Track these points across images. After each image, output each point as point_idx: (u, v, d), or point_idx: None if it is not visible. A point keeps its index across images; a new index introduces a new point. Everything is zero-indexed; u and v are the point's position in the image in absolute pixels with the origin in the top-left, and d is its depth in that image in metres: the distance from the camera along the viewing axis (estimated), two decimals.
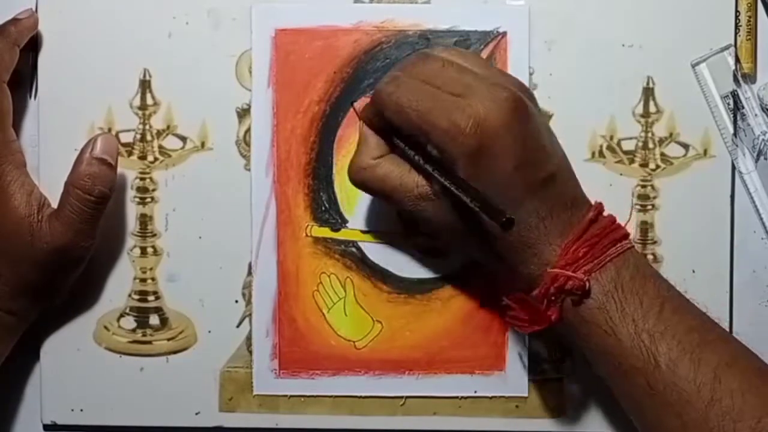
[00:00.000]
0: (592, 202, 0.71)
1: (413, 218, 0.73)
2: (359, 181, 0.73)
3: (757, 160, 0.78)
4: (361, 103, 0.76)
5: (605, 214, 0.71)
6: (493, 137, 0.67)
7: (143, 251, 0.80)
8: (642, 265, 0.70)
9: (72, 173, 0.75)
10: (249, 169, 0.79)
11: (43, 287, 0.77)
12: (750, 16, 0.78)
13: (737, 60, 0.78)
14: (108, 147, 0.76)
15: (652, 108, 0.78)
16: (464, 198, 0.66)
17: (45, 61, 0.79)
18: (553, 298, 0.69)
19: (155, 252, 0.80)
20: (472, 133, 0.66)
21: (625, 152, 0.79)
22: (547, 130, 0.71)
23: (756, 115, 0.78)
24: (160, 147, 0.79)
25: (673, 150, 0.78)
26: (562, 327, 0.70)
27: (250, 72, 0.79)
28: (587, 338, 0.69)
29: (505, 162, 0.67)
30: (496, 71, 0.72)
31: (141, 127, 0.79)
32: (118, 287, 0.80)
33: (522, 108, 0.68)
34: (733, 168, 0.78)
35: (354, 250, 0.79)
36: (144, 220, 0.80)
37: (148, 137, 0.79)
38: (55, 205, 0.76)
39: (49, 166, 0.79)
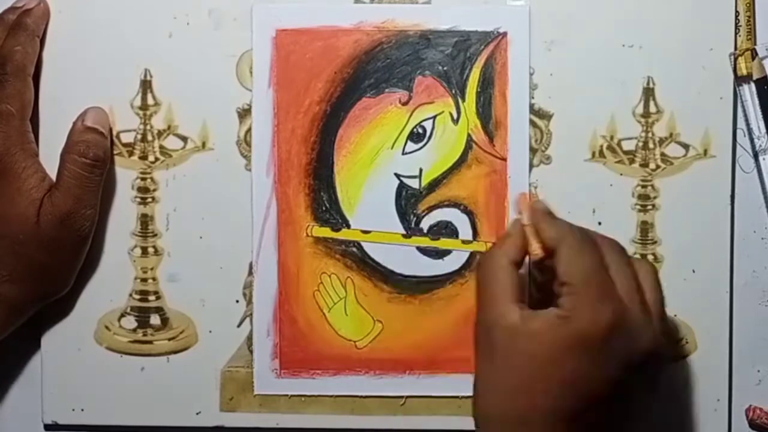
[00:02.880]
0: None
1: (475, 333, 0.69)
2: (482, 268, 0.69)
3: (756, 159, 0.79)
4: (531, 202, 0.72)
5: None
6: (610, 347, 0.65)
7: (144, 251, 0.80)
8: None
9: (66, 143, 0.77)
10: (250, 169, 0.79)
11: (48, 268, 0.77)
12: (749, 17, 0.78)
13: (737, 60, 0.78)
14: (98, 117, 0.77)
15: (652, 108, 0.78)
16: None
17: (45, 61, 0.79)
18: None
19: (156, 252, 0.80)
20: (605, 328, 0.64)
21: (626, 152, 0.79)
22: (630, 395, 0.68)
23: (757, 115, 0.78)
24: (161, 147, 0.80)
25: (673, 150, 0.79)
26: None
27: (251, 72, 0.79)
28: None
29: (592, 372, 0.65)
30: (659, 316, 0.69)
31: (142, 127, 0.79)
32: (119, 287, 0.80)
33: (647, 361, 0.66)
34: (734, 168, 0.78)
35: (355, 250, 0.79)
36: (145, 220, 0.80)
37: (149, 137, 0.80)
38: None
39: (50, 165, 0.78)
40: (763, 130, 0.78)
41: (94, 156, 0.76)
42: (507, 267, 0.68)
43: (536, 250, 0.68)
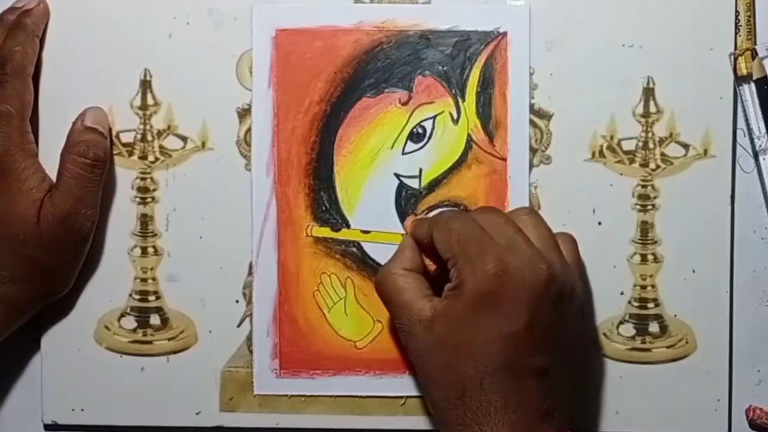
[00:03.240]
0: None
1: (402, 338, 0.73)
2: (379, 283, 0.74)
3: (756, 159, 0.79)
4: (413, 219, 0.78)
5: None
6: (509, 295, 0.67)
7: (144, 251, 0.80)
8: None
9: (66, 143, 0.77)
10: (249, 169, 0.79)
11: (49, 269, 0.77)
12: (749, 17, 0.78)
13: (737, 60, 0.78)
14: (98, 117, 0.78)
15: (652, 108, 0.78)
16: None
17: (45, 61, 0.79)
18: None
19: (156, 252, 0.80)
20: (495, 278, 0.67)
21: (626, 152, 0.79)
22: (565, 328, 0.70)
23: (757, 115, 0.78)
24: (161, 147, 0.80)
25: (673, 150, 0.79)
26: None
27: (251, 72, 0.79)
28: None
29: (504, 324, 0.67)
30: (554, 247, 0.71)
31: (141, 127, 0.79)
32: (119, 287, 0.80)
33: (550, 289, 0.68)
34: (734, 168, 0.78)
35: (354, 250, 0.79)
36: (144, 220, 0.80)
37: (149, 137, 0.80)
38: None
39: (49, 165, 0.78)
40: (763, 130, 0.78)
41: (94, 156, 0.76)
42: (403, 273, 0.73)
43: (429, 263, 0.74)
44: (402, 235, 0.78)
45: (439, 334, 0.69)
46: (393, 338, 0.79)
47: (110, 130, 0.79)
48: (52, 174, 0.77)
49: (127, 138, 0.80)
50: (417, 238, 0.74)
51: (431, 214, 0.78)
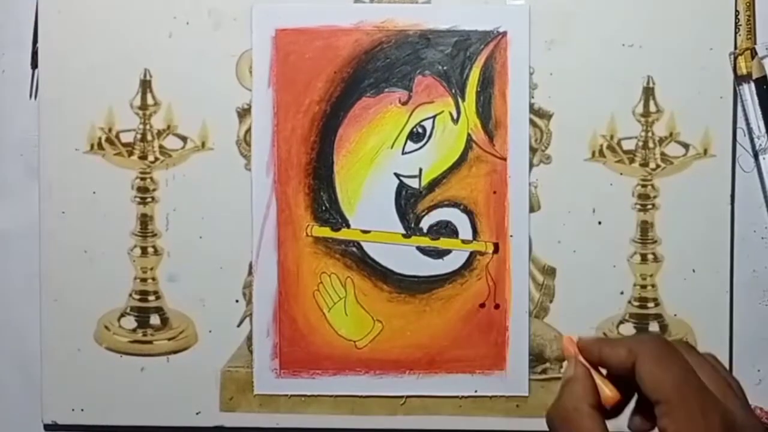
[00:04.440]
0: None
1: None
2: (561, 423, 0.62)
3: (756, 159, 0.79)
4: (593, 341, 0.64)
5: None
6: None
7: (144, 251, 0.80)
8: None
9: None
10: (249, 169, 0.79)
11: None
12: (749, 16, 0.78)
13: (737, 59, 0.78)
14: None
15: (652, 108, 0.78)
16: None
17: (45, 60, 0.79)
18: None
19: (156, 252, 0.80)
20: (723, 428, 0.59)
21: (626, 152, 0.79)
22: None
23: (757, 114, 0.78)
24: (161, 147, 0.80)
25: (673, 149, 0.79)
26: None
27: (251, 72, 0.79)
28: None
29: None
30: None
31: (141, 126, 0.79)
32: (119, 287, 0.80)
33: None
34: (734, 167, 0.78)
35: (354, 249, 0.79)
36: (144, 220, 0.80)
37: (149, 137, 0.79)
38: None
39: (49, 166, 0.79)
40: (763, 129, 0.78)
41: None
42: (591, 413, 0.61)
43: (610, 392, 0.61)
44: (402, 234, 0.78)
45: None
46: (393, 338, 0.79)
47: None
48: (51, 183, 0.78)
49: (126, 138, 0.80)
50: (604, 355, 0.62)
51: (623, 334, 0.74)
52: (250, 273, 0.79)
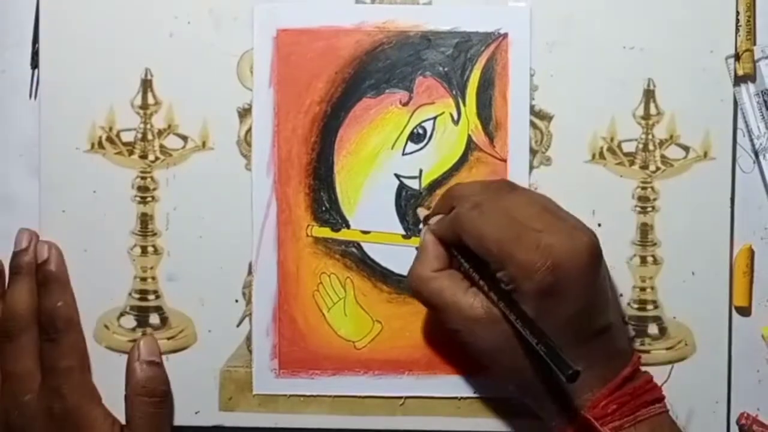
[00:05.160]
0: (632, 356, 0.71)
1: (457, 338, 0.72)
2: (416, 291, 0.73)
3: (756, 159, 0.79)
4: (430, 220, 0.76)
5: (642, 370, 0.71)
6: (566, 280, 0.67)
7: (144, 250, 0.80)
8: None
9: (129, 384, 0.78)
10: (250, 169, 0.79)
11: None
12: (749, 17, 0.78)
13: (737, 60, 0.78)
14: (152, 348, 0.79)
15: (652, 110, 0.78)
16: (530, 339, 0.66)
17: (46, 60, 0.79)
18: None
19: (156, 251, 0.80)
20: (548, 272, 0.67)
21: (626, 154, 0.79)
22: (609, 278, 0.73)
23: (756, 115, 0.78)
24: (161, 146, 0.80)
25: (673, 152, 0.79)
26: None
27: (252, 72, 0.79)
28: None
29: (569, 306, 0.68)
30: (572, 216, 0.72)
31: (142, 126, 0.79)
32: (119, 286, 0.80)
33: (597, 256, 0.69)
34: (734, 170, 0.78)
35: (354, 250, 0.79)
36: (145, 219, 0.80)
37: (149, 136, 0.79)
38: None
39: (50, 165, 0.79)
40: (763, 129, 0.78)
41: (162, 393, 0.78)
42: (435, 276, 0.72)
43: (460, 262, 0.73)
44: (402, 235, 0.78)
45: (504, 330, 0.69)
46: (392, 338, 0.79)
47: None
48: (51, 184, 0.78)
49: (127, 137, 0.80)
50: (441, 238, 0.73)
51: (437, 197, 0.78)
52: (249, 273, 0.79)
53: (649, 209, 0.79)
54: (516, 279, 0.68)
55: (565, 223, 0.70)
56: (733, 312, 0.79)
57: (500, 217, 0.69)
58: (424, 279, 0.72)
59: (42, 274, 0.78)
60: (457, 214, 0.71)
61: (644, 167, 0.79)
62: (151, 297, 0.80)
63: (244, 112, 0.79)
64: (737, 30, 0.78)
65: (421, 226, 0.77)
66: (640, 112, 0.78)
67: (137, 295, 0.80)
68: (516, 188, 0.73)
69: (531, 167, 0.79)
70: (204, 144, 0.79)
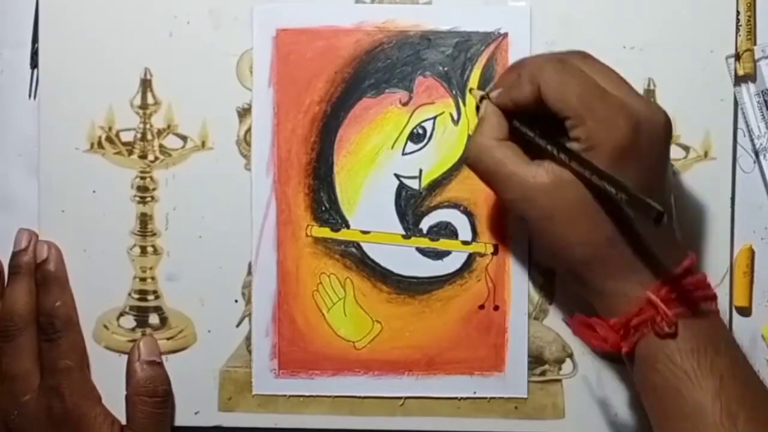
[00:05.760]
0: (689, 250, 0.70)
1: (516, 210, 0.71)
2: (476, 159, 0.70)
3: (757, 158, 0.79)
4: (479, 93, 0.74)
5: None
6: (645, 142, 0.67)
7: (143, 250, 0.80)
8: (727, 332, 0.70)
9: (129, 384, 0.78)
10: (249, 169, 0.79)
11: None
12: (749, 17, 0.78)
13: (737, 60, 0.78)
14: (152, 348, 0.79)
15: None
16: (609, 189, 0.65)
17: (45, 60, 0.79)
18: (633, 329, 0.68)
19: (155, 251, 0.80)
20: (630, 130, 0.66)
21: None
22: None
23: (756, 115, 0.78)
24: (161, 146, 0.79)
25: (673, 152, 0.78)
26: (628, 360, 0.70)
27: (251, 72, 0.79)
28: (652, 384, 0.68)
29: (642, 171, 0.67)
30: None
31: (141, 126, 0.79)
32: (118, 286, 0.80)
33: (670, 131, 0.69)
34: (734, 170, 0.78)
35: (354, 250, 0.79)
36: (144, 219, 0.80)
37: (149, 136, 0.79)
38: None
39: (49, 165, 0.79)
40: (764, 129, 0.78)
41: (163, 392, 0.78)
42: (497, 144, 0.70)
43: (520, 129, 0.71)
44: (402, 235, 0.78)
45: (571, 197, 0.68)
46: (392, 339, 0.79)
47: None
48: (51, 184, 0.79)
49: (127, 137, 0.79)
50: (513, 97, 0.70)
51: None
52: (249, 273, 0.79)
53: None
54: (594, 135, 0.66)
55: (643, 97, 0.70)
56: (733, 312, 0.79)
57: (583, 75, 0.68)
58: (487, 147, 0.70)
59: (41, 274, 0.78)
60: (539, 67, 0.69)
61: None
62: (151, 297, 0.80)
63: (244, 112, 0.79)
64: (737, 30, 0.78)
65: (477, 104, 0.74)
66: None
67: (137, 295, 0.80)
68: (594, 58, 0.71)
69: None
70: (203, 144, 0.79)
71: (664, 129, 0.68)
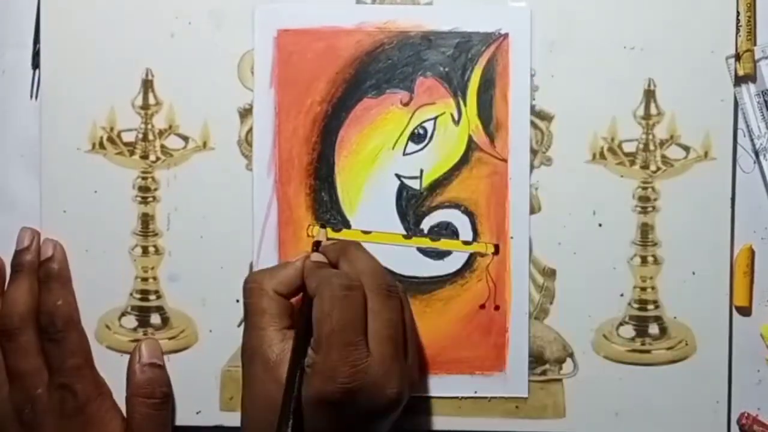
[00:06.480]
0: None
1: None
2: (246, 290, 0.73)
3: (757, 158, 0.79)
4: (323, 236, 0.78)
5: None
6: (349, 408, 0.68)
7: (145, 250, 0.80)
8: None
9: (130, 385, 0.78)
10: (251, 169, 0.79)
11: None
12: (750, 17, 0.78)
13: (737, 60, 0.78)
14: (153, 350, 0.79)
15: (653, 110, 0.78)
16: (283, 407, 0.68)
17: (47, 60, 0.79)
18: None
19: (157, 251, 0.80)
20: (342, 393, 0.67)
21: (626, 154, 0.79)
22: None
23: (756, 115, 0.78)
24: (162, 146, 0.80)
25: (673, 152, 0.79)
26: None
27: (252, 72, 0.79)
28: None
29: (339, 423, 0.68)
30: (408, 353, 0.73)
31: (143, 126, 0.80)
32: (120, 286, 0.80)
33: (391, 411, 0.70)
34: (734, 170, 0.79)
35: None
36: (146, 220, 0.80)
37: (150, 137, 0.80)
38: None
39: (51, 166, 0.79)
40: (764, 130, 0.78)
41: (162, 394, 0.78)
42: (273, 296, 0.72)
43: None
44: (403, 235, 0.79)
45: (268, 391, 0.70)
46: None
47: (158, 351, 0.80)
48: (51, 184, 0.78)
49: (128, 137, 0.80)
50: (305, 279, 0.72)
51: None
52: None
53: (650, 209, 0.79)
54: (315, 369, 0.68)
55: (392, 365, 0.69)
56: (734, 312, 0.79)
57: (353, 312, 0.69)
58: (262, 290, 0.72)
59: (44, 272, 0.78)
60: (327, 280, 0.70)
61: (645, 167, 0.79)
62: (152, 297, 0.80)
63: (245, 113, 0.79)
64: (738, 30, 0.78)
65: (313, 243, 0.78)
66: (641, 112, 0.79)
67: (138, 295, 0.80)
68: (394, 296, 0.72)
69: (532, 167, 0.79)
70: (205, 144, 0.79)
71: (384, 408, 0.69)
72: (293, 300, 0.73)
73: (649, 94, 0.78)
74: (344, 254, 0.73)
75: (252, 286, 0.73)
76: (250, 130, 0.79)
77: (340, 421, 0.68)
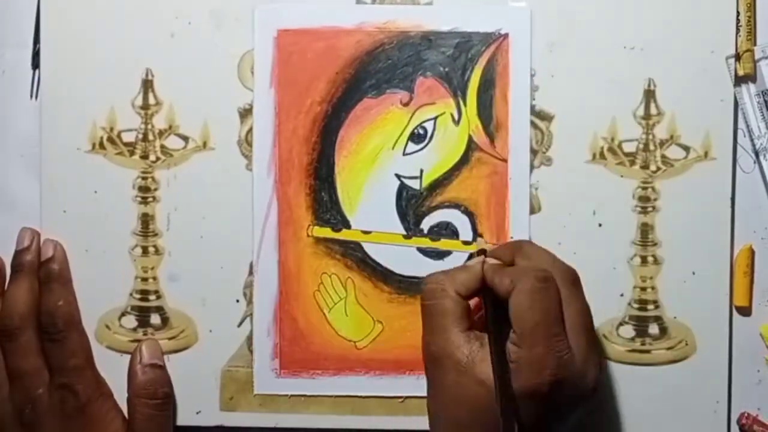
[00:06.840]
0: None
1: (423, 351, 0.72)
2: (426, 294, 0.72)
3: (757, 158, 0.79)
4: (483, 243, 0.78)
5: None
6: (563, 397, 0.68)
7: (145, 250, 0.80)
8: None
9: (131, 386, 0.78)
10: (251, 169, 0.79)
11: None
12: (750, 17, 0.78)
13: (737, 60, 0.78)
14: (153, 351, 0.79)
15: (653, 110, 0.78)
16: (498, 404, 0.67)
17: (47, 60, 0.79)
18: None
19: (157, 251, 0.80)
20: (548, 385, 0.67)
21: (626, 154, 0.79)
22: None
23: (756, 115, 0.78)
24: (162, 146, 0.80)
25: (673, 152, 0.79)
26: None
27: (252, 72, 0.79)
28: None
29: (546, 412, 0.68)
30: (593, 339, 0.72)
31: (143, 126, 0.80)
32: (120, 286, 0.80)
33: (595, 390, 0.70)
34: (734, 170, 0.79)
35: (355, 250, 0.79)
36: (146, 220, 0.80)
37: (150, 137, 0.80)
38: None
39: (51, 166, 0.79)
40: (764, 130, 0.78)
41: (163, 395, 0.78)
42: (453, 297, 0.71)
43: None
44: (403, 235, 0.79)
45: (468, 391, 0.69)
46: (393, 338, 0.79)
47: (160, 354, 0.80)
48: (52, 184, 0.79)
49: (128, 137, 0.80)
50: (488, 280, 0.71)
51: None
52: (250, 273, 0.79)
53: (650, 209, 0.79)
54: (521, 365, 0.67)
55: (586, 364, 0.69)
56: (734, 312, 0.79)
57: (552, 305, 0.69)
58: (442, 292, 0.71)
59: (45, 272, 0.78)
60: (524, 273, 0.69)
61: (645, 167, 0.79)
62: (152, 297, 0.80)
63: (245, 113, 0.79)
64: (738, 30, 0.78)
65: (474, 252, 0.77)
66: (641, 112, 0.79)
67: (138, 296, 0.80)
68: (581, 288, 0.72)
69: (532, 167, 0.79)
70: (205, 144, 0.79)
71: (589, 394, 0.69)
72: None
73: (649, 94, 0.78)
74: (519, 252, 0.73)
75: (435, 287, 0.71)
76: (250, 130, 0.79)
77: (545, 413, 0.68)
